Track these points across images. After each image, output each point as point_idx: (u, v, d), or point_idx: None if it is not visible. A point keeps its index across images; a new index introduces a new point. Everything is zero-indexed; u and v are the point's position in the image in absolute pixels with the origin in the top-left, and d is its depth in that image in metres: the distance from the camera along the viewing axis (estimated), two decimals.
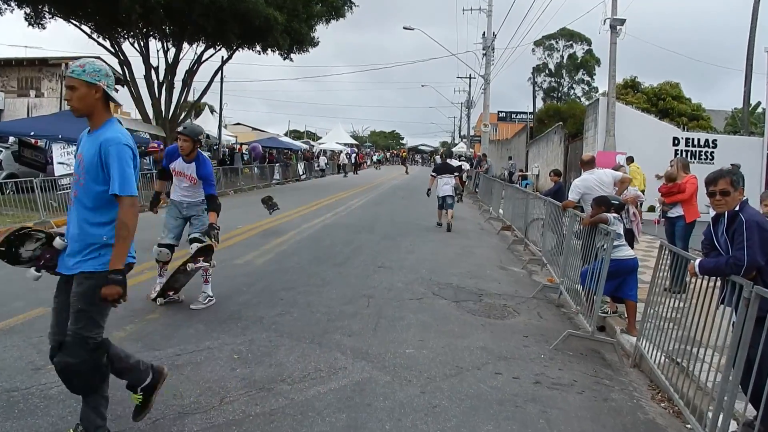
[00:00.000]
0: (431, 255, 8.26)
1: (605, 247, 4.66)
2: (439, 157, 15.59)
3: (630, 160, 13.19)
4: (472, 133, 48.61)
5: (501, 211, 13.17)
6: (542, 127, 27.82)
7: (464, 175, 18.76)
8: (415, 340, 4.45)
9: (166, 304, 5.05)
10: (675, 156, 15.10)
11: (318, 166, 33.51)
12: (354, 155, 39.32)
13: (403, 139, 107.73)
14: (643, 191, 9.87)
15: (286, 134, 57.30)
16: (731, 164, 10.30)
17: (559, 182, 9.37)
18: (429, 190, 12.22)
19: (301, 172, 28.33)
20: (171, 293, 5.16)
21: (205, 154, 5.13)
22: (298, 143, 37.66)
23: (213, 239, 4.85)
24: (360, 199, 17.29)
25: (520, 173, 25.53)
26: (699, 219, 6.67)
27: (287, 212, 12.62)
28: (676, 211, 6.81)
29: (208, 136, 23.98)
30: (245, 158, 25.98)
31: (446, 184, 11.52)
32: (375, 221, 11.81)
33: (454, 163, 15.60)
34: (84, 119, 2.60)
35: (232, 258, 7.24)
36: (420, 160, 66.29)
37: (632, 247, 6.15)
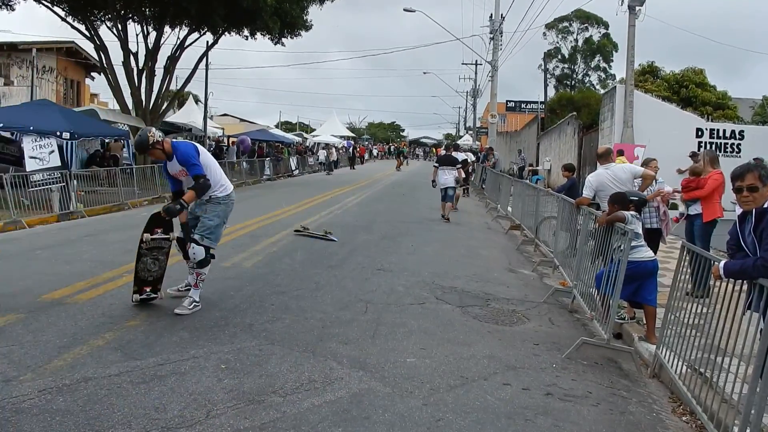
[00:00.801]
0: (434, 256, 8.27)
1: (622, 247, 4.67)
2: (444, 149, 15.75)
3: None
4: (478, 124, 48.67)
5: (509, 209, 13.19)
6: (554, 118, 27.84)
7: (470, 168, 18.87)
8: (417, 349, 4.46)
9: (148, 309, 5.06)
10: (699, 149, 15.13)
11: (317, 159, 33.58)
12: (350, 148, 39.28)
13: (403, 131, 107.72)
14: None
15: (277, 126, 57.21)
16: (754, 158, 10.30)
17: (572, 178, 9.36)
18: (434, 181, 13.15)
19: (293, 168, 28.33)
20: (147, 289, 5.18)
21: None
22: (290, 136, 37.68)
23: (164, 210, 4.99)
24: (357, 195, 17.30)
25: (530, 168, 25.56)
26: (722, 218, 6.66)
27: (278, 211, 12.63)
28: (696, 209, 6.80)
29: (191, 129, 23.98)
30: (226, 150, 26.01)
31: (447, 176, 12.48)
32: (373, 220, 11.83)
33: (460, 155, 15.83)
34: (53, 109, 2.56)
35: (219, 260, 7.21)
36: (421, 154, 66.40)
37: (657, 249, 6.17)
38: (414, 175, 31.76)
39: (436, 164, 13.01)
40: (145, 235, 5.13)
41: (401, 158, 38.40)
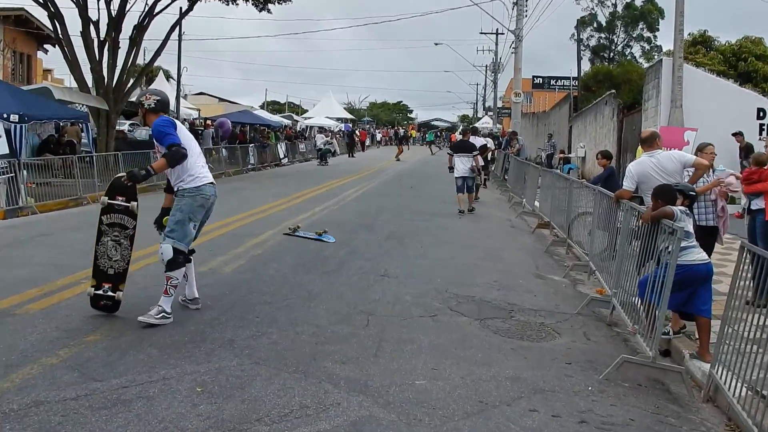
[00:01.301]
0: (448, 260, 8.26)
1: (670, 249, 4.64)
2: (459, 134, 15.89)
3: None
4: (499, 104, 48.64)
5: (537, 203, 13.17)
6: (589, 97, 27.74)
7: (489, 155, 18.96)
8: (428, 369, 4.45)
9: (110, 322, 5.06)
10: (762, 133, 15.04)
11: (315, 146, 33.52)
12: (349, 132, 39.32)
13: (411, 112, 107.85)
14: None
15: (262, 107, 57.39)
16: None
17: (610, 167, 9.34)
18: (450, 167, 13.67)
19: (281, 156, 28.36)
20: (106, 286, 5.19)
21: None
22: (277, 118, 37.73)
23: (127, 175, 5.29)
24: (357, 188, 17.33)
25: (561, 155, 25.51)
26: None
27: (263, 206, 12.65)
28: (758, 203, 6.75)
29: None
30: (201, 135, 26.03)
31: (463, 164, 13.05)
32: (376, 217, 11.83)
33: (479, 141, 16.07)
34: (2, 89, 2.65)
35: (193, 264, 7.24)
36: (434, 140, 66.34)
37: (712, 250, 6.12)
38: (424, 164, 31.76)
39: (450, 151, 13.83)
40: (103, 198, 5.29)
41: (402, 145, 36.27)
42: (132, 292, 5.98)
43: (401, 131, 60.43)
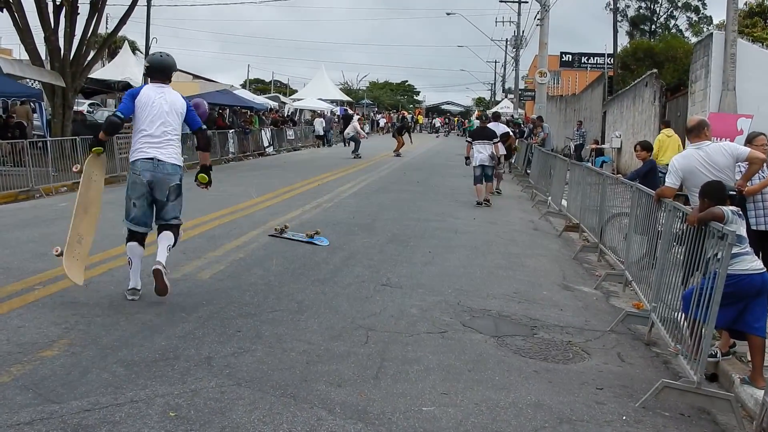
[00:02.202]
0: (461, 267, 8.30)
1: (720, 256, 4.67)
2: (476, 119, 16.50)
3: (665, 124, 14.34)
4: (521, 85, 48.62)
5: (564, 202, 13.20)
6: (627, 77, 27.80)
7: (510, 143, 19.42)
8: (437, 394, 4.50)
9: (70, 333, 5.10)
10: None
11: (313, 131, 35.30)
12: (329, 117, 39.35)
13: (418, 94, 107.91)
14: None
15: (244, 86, 57.44)
16: None
17: (650, 160, 9.38)
18: (467, 158, 14.94)
19: (266, 143, 28.39)
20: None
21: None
22: (262, 99, 37.74)
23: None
24: (354, 183, 17.36)
25: (594, 146, 25.54)
26: None
27: (245, 203, 12.69)
28: None
29: (128, 86, 24.08)
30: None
31: (481, 152, 14.22)
32: (377, 216, 11.87)
33: (500, 128, 16.93)
34: None
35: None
36: (440, 127, 66.60)
37: None
38: (433, 154, 31.79)
39: (469, 139, 15.07)
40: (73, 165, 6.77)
41: (403, 135, 29.97)
42: (95, 300, 6.04)
43: (406, 117, 60.53)
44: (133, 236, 6.18)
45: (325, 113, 41.05)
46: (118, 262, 7.51)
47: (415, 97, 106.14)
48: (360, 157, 25.70)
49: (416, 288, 7.15)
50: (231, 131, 25.09)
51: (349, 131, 29.28)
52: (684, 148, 17.27)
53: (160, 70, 6.26)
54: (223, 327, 5.52)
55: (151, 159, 6.04)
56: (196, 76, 41.88)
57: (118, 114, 6.08)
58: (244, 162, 24.26)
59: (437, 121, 64.30)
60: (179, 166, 6.21)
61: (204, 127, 6.59)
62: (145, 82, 6.46)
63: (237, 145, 24.97)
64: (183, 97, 6.33)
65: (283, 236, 9.36)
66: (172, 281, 6.76)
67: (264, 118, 32.81)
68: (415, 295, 6.85)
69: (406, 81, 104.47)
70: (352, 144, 27.76)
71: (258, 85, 78.33)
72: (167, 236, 6.27)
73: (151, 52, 26.54)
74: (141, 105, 6.08)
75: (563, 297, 7.33)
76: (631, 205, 7.96)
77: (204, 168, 6.51)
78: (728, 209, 5.09)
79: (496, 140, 14.63)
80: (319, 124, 36.65)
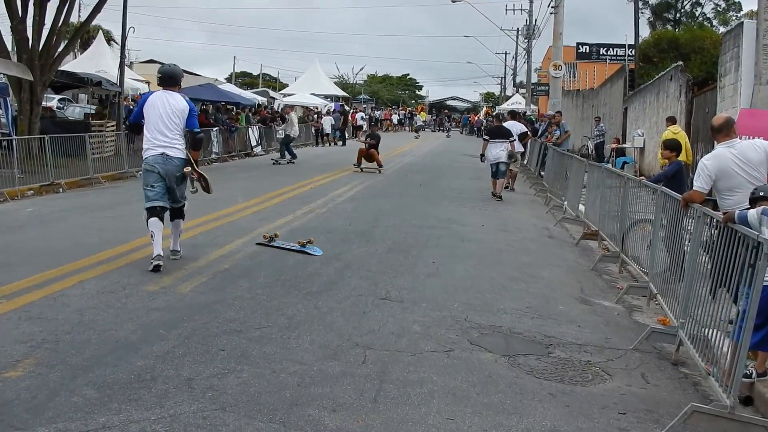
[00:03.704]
0: (468, 279, 8.29)
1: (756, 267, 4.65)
2: (491, 118, 18.01)
3: (671, 121, 14.95)
4: (534, 78, 48.72)
5: (582, 207, 13.19)
6: (650, 70, 27.83)
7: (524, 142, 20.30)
8: (442, 419, 4.47)
9: (37, 351, 5.08)
10: None
11: (322, 130, 36.41)
12: (337, 115, 39.47)
13: (421, 88, 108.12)
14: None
15: (229, 79, 57.46)
16: None
17: (677, 162, 9.36)
18: (482, 155, 16.88)
19: (254, 143, 28.41)
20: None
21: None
22: (249, 95, 37.84)
23: None
24: (350, 186, 17.36)
25: (614, 145, 25.55)
26: None
27: (230, 208, 12.68)
28: None
29: (99, 83, 24.11)
30: None
31: (499, 150, 16.03)
32: (375, 223, 11.86)
33: (516, 127, 18.17)
34: None
35: (141, 282, 7.27)
36: (444, 123, 66.91)
37: None
38: (437, 155, 31.82)
39: (486, 137, 16.98)
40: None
41: (370, 142, 23.27)
42: (65, 315, 6.03)
43: (399, 114, 61.05)
44: (152, 213, 7.88)
45: (331, 110, 41.34)
46: (88, 273, 7.51)
47: (417, 92, 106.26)
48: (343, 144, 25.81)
49: (419, 302, 7.13)
50: (215, 129, 25.07)
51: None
52: (694, 147, 17.45)
53: (169, 78, 8.18)
54: (205, 345, 5.49)
55: (161, 155, 7.90)
56: None
57: (128, 122, 9.13)
58: (230, 163, 24.27)
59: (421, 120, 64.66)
60: (184, 159, 8.10)
61: (198, 130, 8.35)
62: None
63: (222, 145, 24.97)
64: (187, 101, 8.18)
65: (272, 245, 9.34)
66: (148, 295, 6.77)
67: (251, 115, 32.83)
68: (417, 310, 6.83)
69: (408, 74, 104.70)
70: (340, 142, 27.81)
71: (245, 79, 78.40)
72: (178, 224, 8.42)
73: (128, 42, 26.65)
74: (149, 108, 7.98)
75: (581, 312, 7.30)
76: (656, 211, 7.95)
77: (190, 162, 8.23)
78: (756, 210, 5.09)
79: (512, 139, 16.20)
80: (329, 123, 36.97)
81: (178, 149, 8.02)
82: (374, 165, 21.44)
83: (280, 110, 29.40)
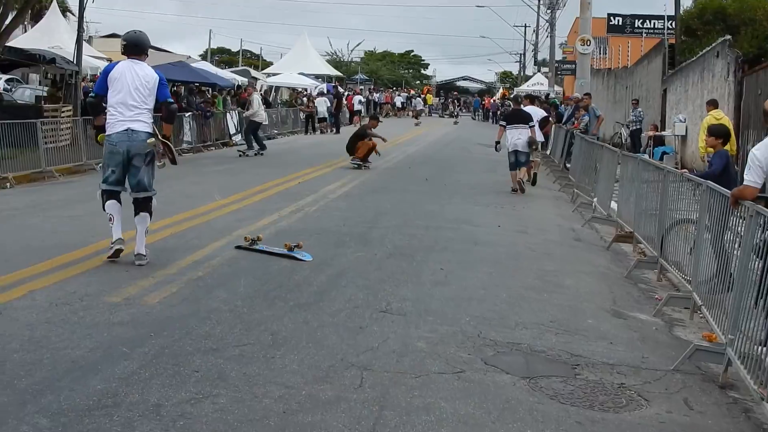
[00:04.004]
0: (481, 289, 8.28)
1: None
2: (508, 102, 18.36)
3: (712, 104, 15.29)
4: (558, 56, 48.64)
5: (614, 205, 13.18)
6: (693, 45, 27.77)
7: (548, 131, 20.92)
8: None
9: None
10: None
11: (316, 114, 36.31)
12: (330, 97, 39.46)
13: (427, 67, 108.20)
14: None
15: (205, 57, 57.44)
16: None
17: (723, 153, 9.33)
18: (497, 143, 17.56)
19: (233, 131, 28.39)
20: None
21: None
22: (228, 74, 37.81)
23: None
24: (345, 180, 17.38)
25: (652, 133, 25.55)
26: None
27: (206, 206, 12.67)
28: None
29: (53, 60, 24.03)
30: None
31: (518, 138, 16.33)
32: (374, 223, 11.86)
33: (538, 112, 18.70)
34: None
35: (101, 292, 7.25)
36: (450, 107, 66.92)
37: None
38: (445, 144, 31.81)
39: (503, 122, 17.44)
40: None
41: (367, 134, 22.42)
42: (12, 331, 6.02)
43: (402, 97, 60.91)
44: (110, 196, 8.34)
45: (324, 91, 41.29)
46: (40, 281, 7.50)
47: (423, 72, 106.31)
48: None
49: (424, 315, 7.11)
50: (187, 115, 25.06)
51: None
52: (744, 134, 17.43)
53: (134, 46, 8.45)
54: (176, 366, 5.47)
55: (126, 131, 8.18)
56: None
57: (92, 94, 8.84)
58: (205, 154, 24.26)
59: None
60: (150, 133, 8.35)
61: (172, 101, 9.00)
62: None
63: (195, 133, 24.96)
64: (157, 71, 8.49)
65: (255, 249, 9.34)
66: (108, 307, 6.76)
67: (230, 98, 32.82)
68: (423, 325, 6.81)
69: (412, 51, 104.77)
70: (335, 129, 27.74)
71: (223, 56, 78.45)
72: (143, 219, 8.38)
73: (86, 13, 26.61)
74: (114, 80, 8.22)
75: (613, 326, 7.29)
76: (700, 209, 7.93)
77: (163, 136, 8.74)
78: None
79: (532, 124, 16.45)
80: (323, 104, 36.90)
81: (144, 123, 8.32)
82: (411, 135, 21.80)
83: (245, 91, 27.87)
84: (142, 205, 8.43)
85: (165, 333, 6.18)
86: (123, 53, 8.47)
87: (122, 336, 6.04)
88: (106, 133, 8.28)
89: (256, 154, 23.31)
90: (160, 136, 8.66)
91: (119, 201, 8.39)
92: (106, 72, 8.43)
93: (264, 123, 25.32)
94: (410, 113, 59.24)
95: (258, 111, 24.22)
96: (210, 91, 30.85)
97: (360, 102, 46.99)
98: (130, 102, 8.20)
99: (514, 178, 16.46)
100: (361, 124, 27.12)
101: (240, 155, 23.23)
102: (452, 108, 67.50)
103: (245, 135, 24.56)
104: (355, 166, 19.87)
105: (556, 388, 5.56)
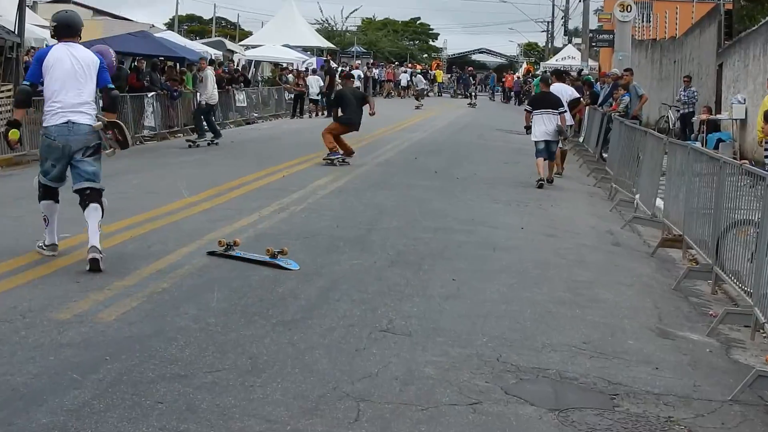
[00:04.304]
0: (502, 303, 8.29)
1: None
2: (535, 79, 18.61)
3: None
4: (594, 24, 48.65)
5: (660, 203, 13.17)
6: (754, 11, 27.75)
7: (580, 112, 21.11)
8: None
9: None
10: None
11: (306, 96, 36.78)
12: (322, 75, 39.48)
13: (436, 37, 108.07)
14: None
15: (171, 26, 57.44)
16: None
17: None
18: (527, 127, 18.19)
19: None
20: None
21: None
22: (199, 46, 37.82)
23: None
24: (338, 173, 17.37)
25: (705, 116, 25.51)
26: None
27: (172, 205, 12.66)
28: None
29: None
30: None
31: (545, 125, 16.80)
32: (372, 225, 11.88)
33: (566, 92, 18.85)
34: None
35: (47, 307, 7.25)
36: (470, 87, 66.78)
37: None
38: (458, 129, 31.80)
39: (529, 107, 18.02)
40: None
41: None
42: None
43: (405, 74, 60.60)
44: (47, 193, 8.73)
45: (315, 67, 41.31)
46: None
47: (431, 43, 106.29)
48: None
49: (433, 335, 7.11)
50: (150, 95, 25.05)
51: None
52: None
53: (66, 27, 8.72)
54: (136, 396, 5.45)
55: (66, 123, 8.48)
56: (98, 11, 42.09)
57: (25, 82, 9.03)
58: (171, 141, 24.26)
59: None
60: (92, 126, 8.62)
61: (113, 86, 9.16)
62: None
63: (160, 117, 24.94)
64: (95, 53, 8.79)
65: (230, 255, 9.33)
66: (56, 325, 6.74)
67: (199, 74, 32.76)
68: (431, 347, 6.80)
69: (418, 19, 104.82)
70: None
71: (193, 25, 78.48)
72: (94, 212, 8.53)
73: None
74: (49, 67, 8.50)
75: (659, 348, 7.28)
76: (763, 207, 7.91)
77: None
78: None
79: (562, 110, 16.76)
80: (315, 83, 36.89)
81: (86, 114, 8.63)
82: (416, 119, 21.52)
83: (197, 66, 26.02)
84: (91, 197, 8.60)
85: (123, 356, 6.16)
86: (53, 36, 8.90)
87: (72, 360, 6.03)
88: (45, 125, 8.61)
89: (209, 144, 22.85)
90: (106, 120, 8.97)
91: (57, 200, 8.77)
92: (40, 58, 8.65)
93: (213, 104, 24.38)
94: (413, 93, 59.01)
95: (213, 92, 23.76)
96: (178, 66, 30.83)
97: (359, 78, 47.00)
98: (72, 90, 8.51)
99: (540, 167, 16.73)
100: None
101: (189, 146, 22.50)
102: (472, 88, 66.10)
103: (195, 120, 23.97)
104: (330, 162, 18.61)
105: (591, 423, 5.56)
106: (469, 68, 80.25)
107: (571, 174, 18.85)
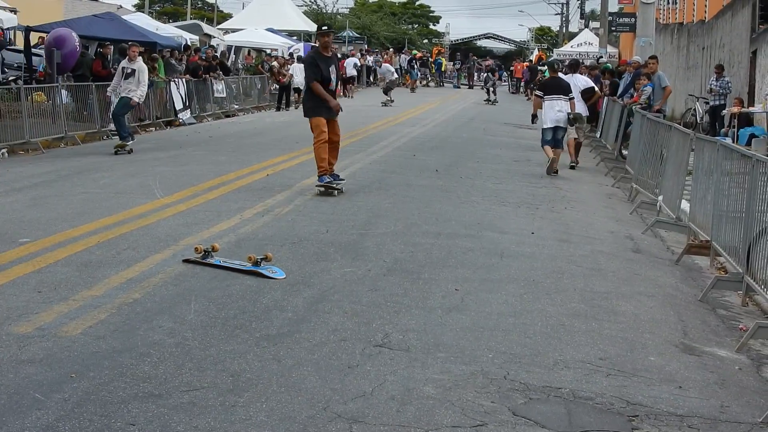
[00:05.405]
0: (510, 316, 8.31)
1: None
2: (542, 66, 18.95)
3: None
4: (614, 7, 48.68)
5: (685, 206, 13.19)
6: None
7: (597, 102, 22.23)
8: None
9: None
10: None
11: (290, 87, 36.45)
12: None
13: (438, 21, 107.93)
14: None
15: (141, 7, 57.32)
16: None
17: None
18: (534, 116, 19.49)
19: (179, 106, 28.38)
20: None
21: None
22: (172, 30, 37.77)
23: None
24: None
25: (737, 109, 25.51)
26: None
27: (142, 206, 12.65)
28: None
29: None
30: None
31: (559, 111, 18.21)
32: (366, 229, 11.90)
33: (579, 81, 20.58)
34: None
35: (5, 320, 7.28)
36: (490, 78, 66.57)
37: None
38: (462, 123, 31.76)
39: (540, 92, 19.24)
40: None
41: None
42: None
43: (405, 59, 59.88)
44: None
45: (297, 52, 41.19)
46: None
47: (432, 27, 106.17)
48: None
49: (434, 351, 7.13)
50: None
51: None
52: None
53: None
54: (105, 417, 5.47)
55: None
56: None
57: None
58: (142, 136, 24.20)
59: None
60: None
61: None
62: None
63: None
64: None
65: (208, 263, 9.35)
66: (16, 340, 6.76)
67: (176, 62, 32.79)
68: (431, 363, 6.83)
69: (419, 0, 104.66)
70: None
71: (165, 6, 78.35)
72: None
73: None
74: None
75: (683, 365, 7.30)
76: None
77: None
78: None
79: (571, 96, 18.07)
80: (300, 73, 36.72)
81: None
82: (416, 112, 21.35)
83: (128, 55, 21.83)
84: None
85: (91, 374, 6.18)
86: None
87: (34, 377, 6.04)
88: None
89: (116, 152, 19.94)
90: None
91: None
92: None
93: (140, 101, 21.71)
94: (428, 80, 58.02)
95: (144, 89, 21.27)
96: (149, 52, 30.80)
97: (355, 66, 46.89)
98: None
99: (549, 153, 18.34)
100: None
101: (116, 152, 19.96)
102: (489, 78, 61.37)
103: (115, 117, 21.16)
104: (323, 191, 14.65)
105: None
106: (487, 62, 78.70)
107: (587, 173, 18.87)
